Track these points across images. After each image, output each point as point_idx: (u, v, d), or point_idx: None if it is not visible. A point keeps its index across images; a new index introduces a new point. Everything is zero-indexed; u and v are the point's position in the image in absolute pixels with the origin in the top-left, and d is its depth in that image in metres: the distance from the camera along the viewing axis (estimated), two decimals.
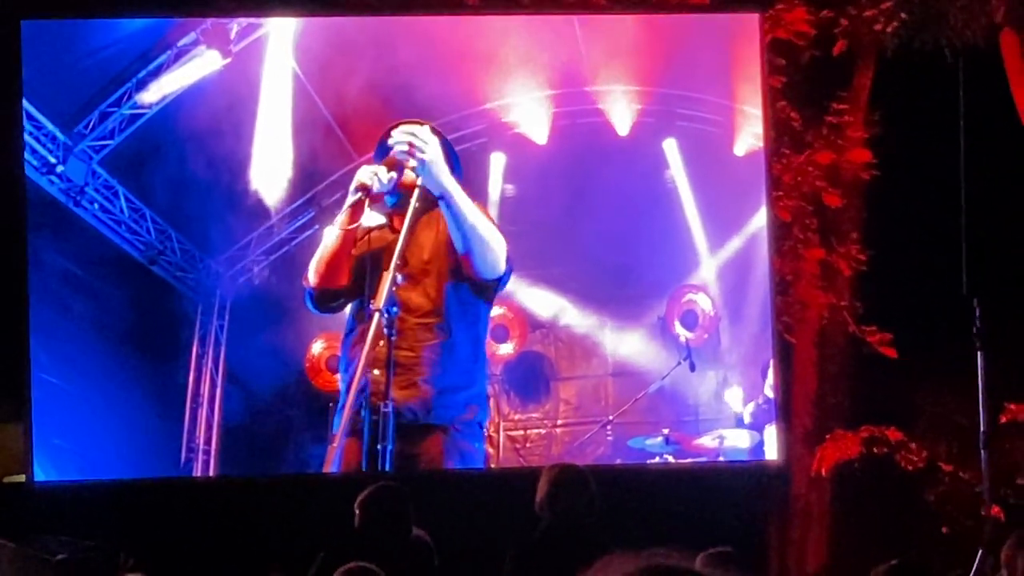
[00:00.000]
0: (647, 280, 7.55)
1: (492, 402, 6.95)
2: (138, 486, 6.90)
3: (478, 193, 6.59)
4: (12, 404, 6.79)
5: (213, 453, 7.44)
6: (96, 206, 7.27)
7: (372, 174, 5.07)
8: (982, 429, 5.69)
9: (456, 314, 5.39)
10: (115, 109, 7.24)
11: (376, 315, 4.77)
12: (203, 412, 7.47)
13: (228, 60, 7.22)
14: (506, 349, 7.63)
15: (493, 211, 7.14)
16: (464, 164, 5.75)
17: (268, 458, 7.41)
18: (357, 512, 5.00)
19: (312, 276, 5.39)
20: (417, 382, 5.30)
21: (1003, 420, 6.69)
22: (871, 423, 7.05)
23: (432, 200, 5.20)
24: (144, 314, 7.19)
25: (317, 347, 7.37)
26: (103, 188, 7.30)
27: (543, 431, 7.71)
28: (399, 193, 5.19)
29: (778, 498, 7.23)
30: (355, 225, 5.20)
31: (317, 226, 7.20)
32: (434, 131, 5.38)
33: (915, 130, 7.05)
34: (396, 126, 5.46)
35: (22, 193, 6.87)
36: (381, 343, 4.89)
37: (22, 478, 6.77)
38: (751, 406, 7.34)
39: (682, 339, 7.43)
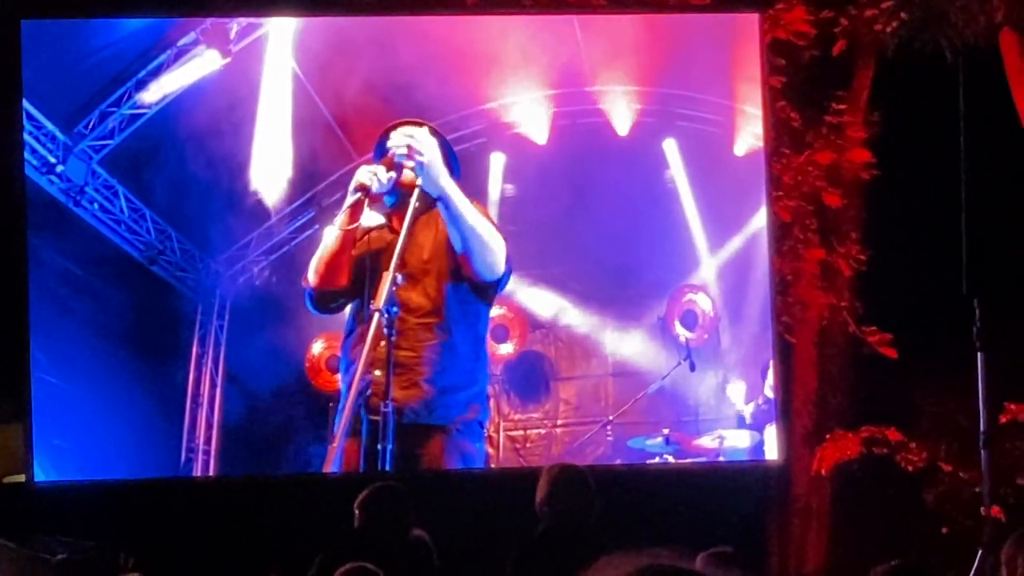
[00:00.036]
0: (647, 280, 7.55)
1: (492, 402, 6.95)
2: (138, 486, 6.90)
3: (478, 193, 6.59)
4: (12, 404, 6.79)
5: (213, 453, 7.44)
6: (96, 206, 7.27)
7: (371, 174, 5.08)
8: (982, 429, 5.69)
9: (456, 314, 5.39)
10: (115, 109, 7.24)
11: (376, 315, 4.77)
12: (203, 412, 7.47)
13: (228, 60, 7.22)
14: (506, 349, 7.63)
15: (493, 211, 7.14)
16: (464, 164, 5.76)
17: (268, 458, 7.40)
18: (357, 512, 5.00)
19: (312, 277, 5.39)
20: (418, 382, 5.31)
21: (1003, 420, 6.68)
22: (871, 423, 7.05)
23: (431, 200, 5.20)
24: (144, 314, 7.19)
25: (317, 347, 7.36)
26: (103, 188, 7.30)
27: (543, 431, 7.71)
28: (398, 193, 5.19)
29: (778, 498, 7.23)
30: (355, 225, 5.20)
31: (317, 226, 7.20)
32: (433, 132, 5.39)
33: (915, 130, 7.05)
34: (395, 126, 5.47)
35: (22, 193, 6.87)
36: (382, 343, 4.89)
37: (22, 478, 6.77)
38: (751, 406, 7.34)
39: (682, 339, 7.43)
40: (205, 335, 7.49)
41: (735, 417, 7.37)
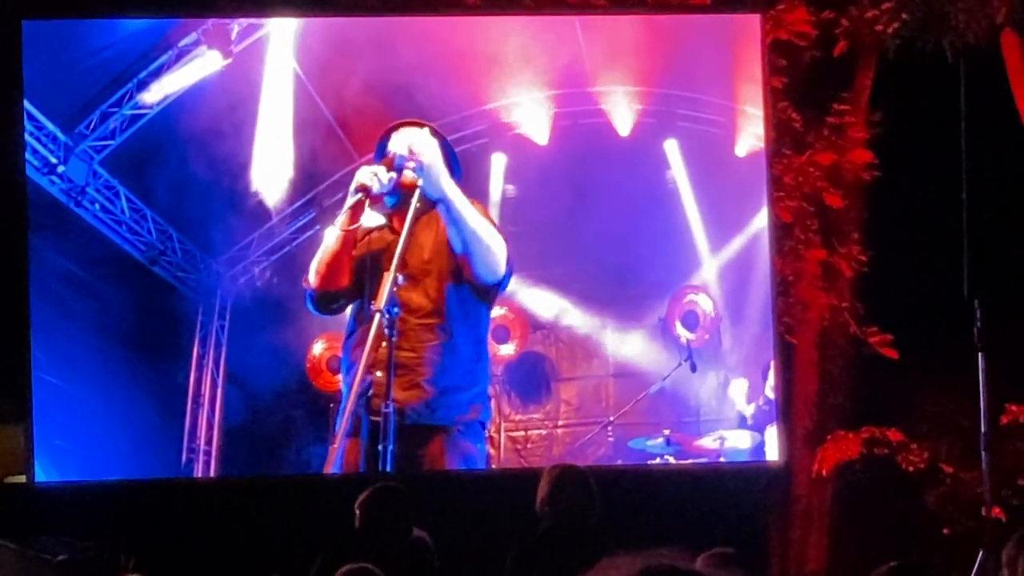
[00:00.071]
0: (648, 281, 7.55)
1: (493, 403, 6.94)
2: (139, 487, 6.90)
3: (479, 194, 6.59)
4: (13, 404, 6.79)
5: (214, 454, 7.44)
6: (97, 206, 7.27)
7: (372, 174, 5.08)
8: (983, 430, 5.69)
9: (458, 314, 5.39)
10: (116, 109, 7.24)
11: (377, 316, 4.77)
12: (204, 413, 7.47)
13: (229, 60, 7.22)
14: (507, 350, 7.63)
15: (494, 212, 7.14)
16: (465, 165, 5.77)
17: (269, 459, 7.40)
18: (357, 513, 5.00)
19: (313, 278, 5.39)
20: (420, 383, 5.30)
21: (1004, 421, 6.68)
22: (872, 424, 7.05)
23: (432, 201, 5.20)
24: (145, 315, 7.19)
25: (318, 348, 7.36)
26: (104, 188, 7.30)
27: (544, 432, 7.71)
28: (399, 193, 5.19)
29: (779, 499, 7.23)
30: (355, 226, 5.20)
31: (318, 227, 7.20)
32: (434, 133, 5.39)
33: (916, 131, 7.05)
34: (396, 126, 5.47)
35: (23, 193, 6.87)
36: (383, 344, 4.89)
37: (23, 478, 6.77)
38: (752, 407, 7.34)
39: (683, 340, 7.43)
40: (206, 336, 7.49)
41: (736, 418, 7.36)
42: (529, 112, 7.50)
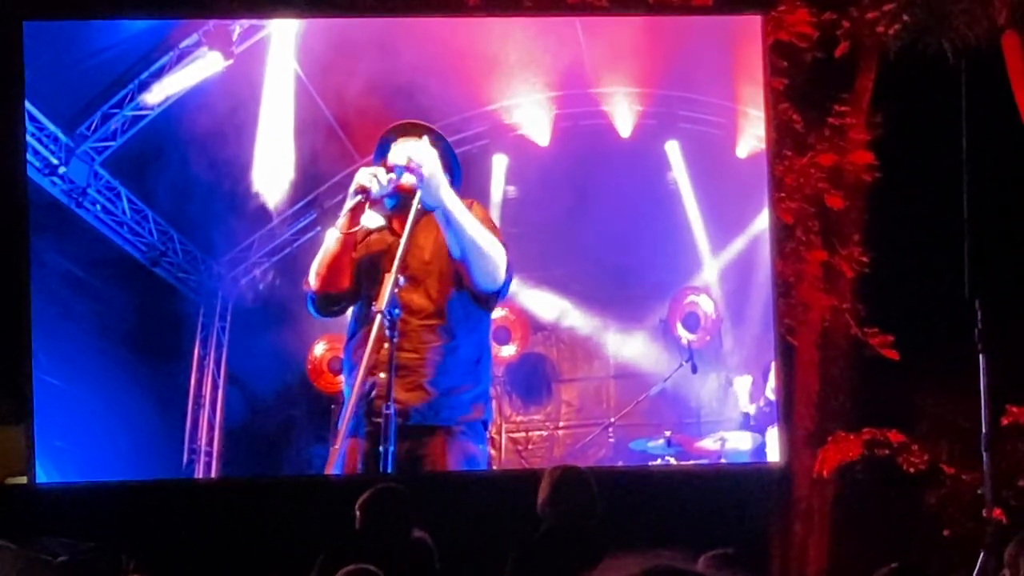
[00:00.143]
0: (649, 282, 7.55)
1: (494, 404, 6.95)
2: (140, 488, 6.90)
3: (480, 195, 6.60)
4: (14, 405, 6.79)
5: (215, 455, 7.44)
6: (98, 207, 7.27)
7: (371, 176, 5.07)
8: (984, 431, 5.68)
9: (459, 315, 5.39)
10: (117, 110, 7.24)
11: (378, 317, 4.76)
12: (205, 414, 7.47)
13: (230, 62, 7.23)
14: (508, 351, 7.63)
15: (495, 213, 7.15)
16: (466, 166, 5.76)
17: (270, 460, 7.41)
18: (358, 514, 5.00)
19: (313, 280, 5.38)
20: (422, 384, 5.30)
21: (1005, 422, 6.68)
22: (873, 425, 7.05)
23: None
24: (146, 316, 7.19)
25: (319, 349, 7.37)
26: (105, 189, 7.30)
27: (545, 433, 7.71)
28: (399, 195, 5.19)
29: (780, 500, 7.23)
30: (356, 229, 5.19)
31: (319, 228, 7.20)
32: (435, 136, 5.37)
33: (917, 132, 7.05)
34: (396, 127, 5.46)
35: (24, 194, 6.87)
36: (385, 346, 4.89)
37: (24, 480, 6.77)
38: (753, 408, 7.34)
39: (684, 341, 7.43)
40: (207, 337, 7.50)
41: (737, 419, 7.36)
42: (530, 113, 7.51)
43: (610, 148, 7.44)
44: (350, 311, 5.49)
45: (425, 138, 5.30)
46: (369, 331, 4.81)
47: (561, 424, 7.73)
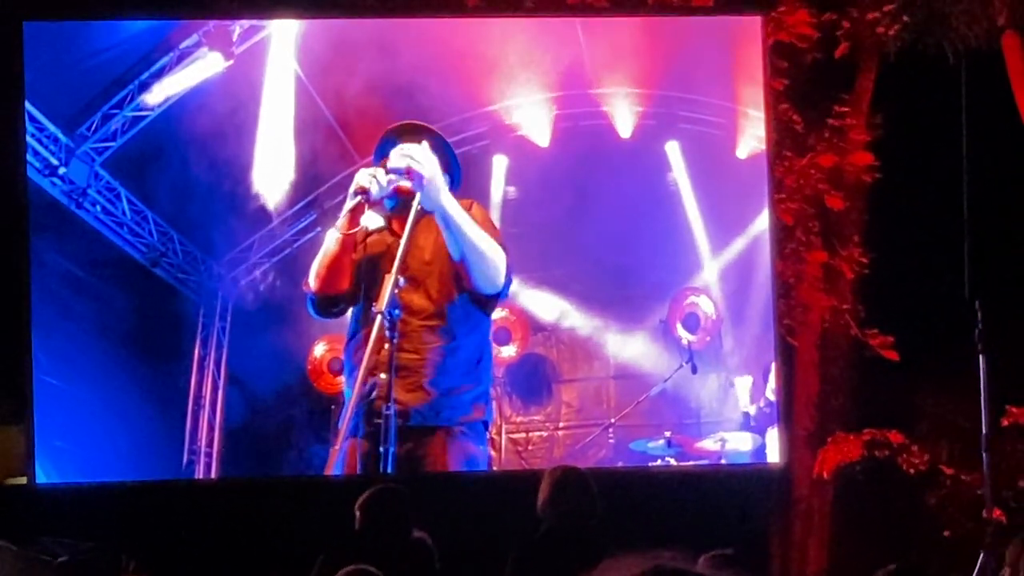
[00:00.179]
0: (649, 282, 7.55)
1: (494, 404, 6.95)
2: (140, 488, 6.90)
3: (480, 195, 6.60)
4: (14, 405, 6.79)
5: (215, 455, 7.45)
6: (98, 208, 7.27)
7: (371, 177, 5.07)
8: (984, 432, 5.69)
9: (459, 316, 5.38)
10: (117, 111, 7.24)
11: (378, 318, 4.76)
12: (205, 414, 7.48)
13: (230, 62, 7.23)
14: (508, 351, 7.63)
15: (495, 213, 7.15)
16: (466, 166, 5.76)
17: (269, 460, 7.41)
18: (357, 514, 5.00)
19: (313, 281, 5.38)
20: (423, 384, 5.29)
21: (1005, 423, 6.68)
22: (873, 426, 7.05)
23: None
24: (146, 316, 7.19)
25: (319, 349, 7.37)
26: (105, 190, 7.30)
27: (545, 433, 7.71)
28: (398, 196, 5.18)
29: (780, 501, 7.23)
30: (355, 229, 5.19)
31: (319, 228, 7.20)
32: (434, 141, 5.37)
33: (917, 133, 7.05)
34: (396, 127, 5.46)
35: (24, 195, 6.87)
36: (385, 346, 4.89)
37: (24, 480, 6.77)
38: (753, 408, 7.34)
39: (684, 342, 7.43)
40: (207, 337, 7.50)
41: (737, 419, 7.36)
42: (530, 114, 7.51)
43: (610, 148, 7.44)
44: (350, 312, 5.49)
45: (425, 143, 5.29)
46: (369, 332, 4.81)
47: (561, 425, 7.74)
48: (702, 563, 1.75)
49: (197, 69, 7.21)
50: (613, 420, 7.49)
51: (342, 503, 5.08)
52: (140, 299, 7.23)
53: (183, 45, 7.23)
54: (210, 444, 7.45)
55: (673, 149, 7.49)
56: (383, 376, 4.97)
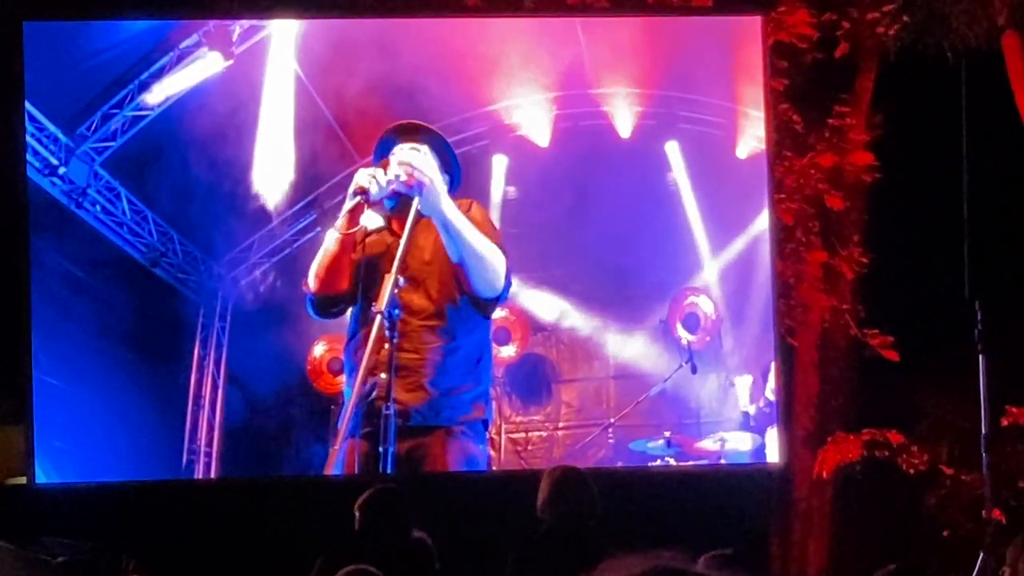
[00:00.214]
0: (649, 282, 7.55)
1: (494, 404, 6.95)
2: (139, 488, 6.90)
3: (480, 195, 6.60)
4: (13, 406, 6.79)
5: (214, 455, 7.44)
6: (98, 208, 7.27)
7: (370, 177, 5.07)
8: (983, 432, 5.69)
9: (459, 316, 5.38)
10: (117, 111, 7.24)
11: (378, 318, 4.76)
12: (204, 414, 7.47)
13: (230, 62, 7.22)
14: (508, 351, 7.62)
15: (495, 214, 7.15)
16: (466, 166, 5.76)
17: (269, 460, 7.41)
18: (357, 514, 5.00)
19: (312, 281, 5.38)
20: (423, 384, 5.29)
21: (1004, 423, 6.68)
22: (872, 426, 7.05)
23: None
24: (146, 316, 7.19)
25: (319, 349, 7.36)
26: (105, 190, 7.30)
27: (544, 433, 7.71)
28: (398, 197, 5.18)
29: (779, 501, 7.23)
30: (354, 230, 5.19)
31: (319, 228, 7.20)
32: (434, 142, 5.37)
33: (917, 133, 7.05)
34: (396, 127, 5.46)
35: (24, 194, 6.87)
36: (385, 346, 4.89)
37: (23, 480, 6.77)
38: (753, 408, 7.34)
39: (684, 342, 7.43)
40: (207, 337, 7.49)
41: (737, 419, 7.36)
42: (530, 114, 7.51)
43: (610, 148, 7.44)
44: (349, 312, 5.49)
45: (424, 148, 5.29)
46: (369, 332, 4.81)
47: (561, 425, 7.73)
48: (702, 563, 1.74)
49: (197, 69, 7.21)
50: (613, 420, 7.49)
51: (342, 503, 5.08)
52: (140, 299, 7.22)
53: (183, 45, 7.22)
54: (210, 444, 7.45)
55: (673, 149, 7.49)
56: (383, 376, 4.97)
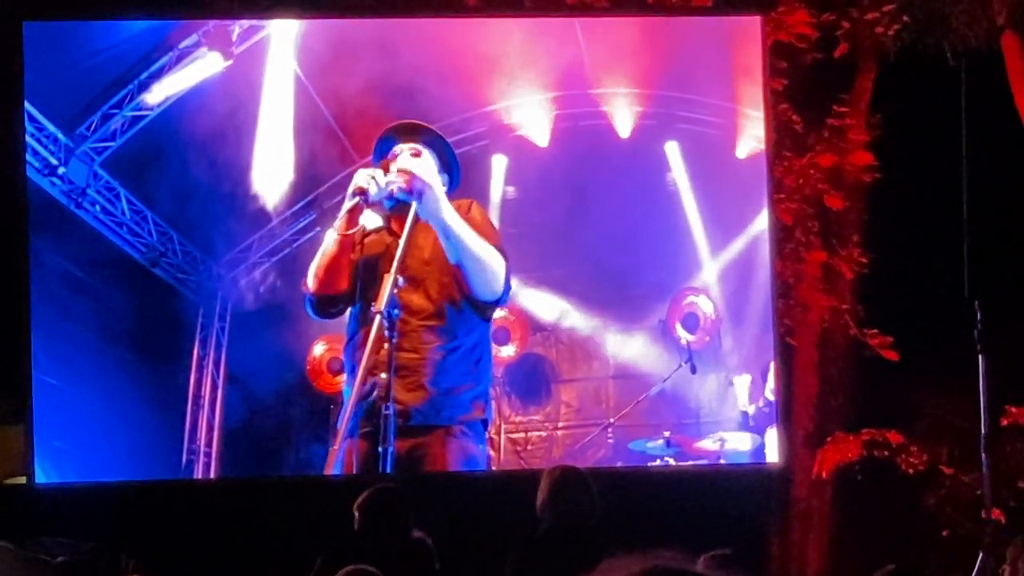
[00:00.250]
0: (648, 282, 7.55)
1: (493, 404, 6.95)
2: (139, 488, 6.90)
3: (479, 196, 6.60)
4: (13, 405, 6.79)
5: (214, 455, 7.44)
6: (98, 208, 7.27)
7: (369, 177, 5.06)
8: (983, 432, 5.69)
9: (459, 316, 5.38)
10: (117, 111, 7.24)
11: (378, 318, 4.76)
12: (204, 414, 7.48)
13: (230, 62, 7.22)
14: (507, 351, 7.63)
15: (494, 214, 7.15)
16: (465, 166, 5.75)
17: (269, 460, 7.41)
18: (356, 514, 5.00)
19: (311, 282, 5.37)
20: (423, 384, 5.29)
21: (1004, 423, 6.68)
22: (872, 426, 7.05)
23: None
24: (145, 316, 7.19)
25: (318, 349, 7.37)
26: (105, 190, 7.30)
27: (544, 433, 7.71)
28: (397, 198, 5.18)
29: (779, 501, 7.23)
30: (354, 230, 5.19)
31: (319, 228, 7.20)
32: (432, 140, 5.36)
33: (917, 133, 7.05)
34: (395, 127, 5.46)
35: (24, 194, 6.87)
36: (385, 346, 4.89)
37: (23, 480, 6.77)
38: (752, 408, 7.34)
39: (683, 342, 7.43)
40: (206, 337, 7.50)
41: (736, 419, 7.36)
42: (530, 114, 7.51)
43: (610, 148, 7.44)
44: (349, 312, 5.49)
45: (424, 152, 5.29)
46: (368, 332, 4.81)
47: (560, 425, 7.74)
48: (701, 563, 1.74)
49: (197, 69, 7.21)
50: (612, 420, 7.49)
51: (341, 503, 5.08)
52: (140, 299, 7.22)
53: (183, 45, 7.22)
54: (209, 444, 7.45)
55: (672, 149, 7.49)
56: (383, 376, 4.97)
